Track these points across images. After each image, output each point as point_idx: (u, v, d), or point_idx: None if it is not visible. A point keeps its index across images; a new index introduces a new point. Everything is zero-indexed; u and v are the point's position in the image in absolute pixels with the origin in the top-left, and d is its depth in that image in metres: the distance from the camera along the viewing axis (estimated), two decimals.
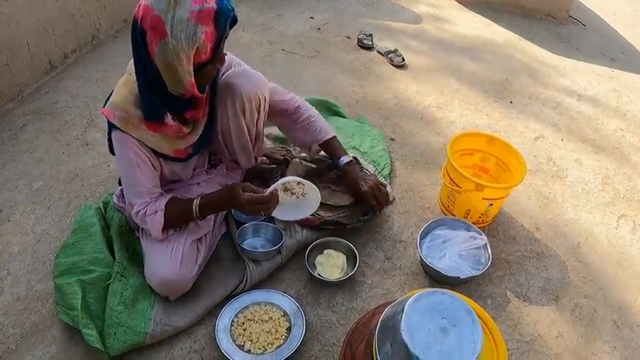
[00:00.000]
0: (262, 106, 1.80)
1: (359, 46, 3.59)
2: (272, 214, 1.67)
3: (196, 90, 1.47)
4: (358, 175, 1.98)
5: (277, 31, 3.76)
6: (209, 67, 1.48)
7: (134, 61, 1.46)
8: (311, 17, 4.02)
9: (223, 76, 1.72)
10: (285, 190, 1.70)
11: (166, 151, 1.63)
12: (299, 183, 1.69)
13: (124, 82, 1.55)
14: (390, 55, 3.38)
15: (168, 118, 1.52)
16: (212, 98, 1.71)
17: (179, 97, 1.50)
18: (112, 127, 1.54)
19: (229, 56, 1.72)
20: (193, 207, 1.63)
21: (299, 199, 1.73)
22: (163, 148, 1.61)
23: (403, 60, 3.34)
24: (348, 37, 3.72)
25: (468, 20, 4.17)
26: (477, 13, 4.29)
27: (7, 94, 2.72)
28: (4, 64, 2.63)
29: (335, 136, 2.00)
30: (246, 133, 1.82)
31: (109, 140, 1.61)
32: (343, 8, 4.24)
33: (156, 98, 1.48)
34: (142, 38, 1.36)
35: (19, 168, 2.32)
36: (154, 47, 1.36)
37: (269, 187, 1.63)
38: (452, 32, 3.94)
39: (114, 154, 1.62)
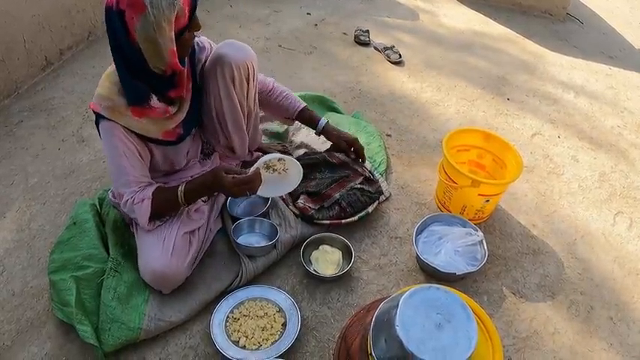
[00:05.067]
0: (251, 76, 1.83)
1: (356, 42, 3.59)
2: (257, 193, 1.70)
3: (177, 60, 1.50)
4: (338, 130, 2.16)
5: (274, 27, 3.75)
6: (186, 35, 1.52)
7: (111, 48, 1.48)
8: (308, 13, 4.02)
9: (212, 51, 1.79)
10: (267, 167, 1.73)
11: (155, 135, 1.65)
12: (280, 159, 1.74)
13: (106, 75, 1.57)
14: (386, 52, 3.38)
15: (154, 100, 1.55)
16: (194, 75, 1.74)
17: (161, 76, 1.53)
18: (99, 118, 1.56)
19: (208, 40, 1.83)
20: (179, 193, 1.63)
21: (281, 174, 1.78)
22: (152, 132, 1.63)
23: (400, 56, 3.33)
24: (344, 34, 3.72)
25: (465, 17, 4.17)
26: (475, 10, 4.29)
27: (3, 91, 2.71)
28: None
29: (306, 106, 2.12)
30: (238, 106, 1.84)
31: (99, 135, 1.62)
32: (340, 4, 4.24)
33: (138, 81, 1.51)
34: (120, 20, 1.40)
35: (15, 164, 2.31)
36: (135, 23, 1.39)
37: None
38: (449, 29, 3.93)
39: None
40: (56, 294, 1.63)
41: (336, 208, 1.98)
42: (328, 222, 1.95)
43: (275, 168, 1.75)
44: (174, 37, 1.45)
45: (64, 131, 2.54)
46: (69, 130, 2.55)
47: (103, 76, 1.57)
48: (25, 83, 2.85)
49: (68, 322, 1.58)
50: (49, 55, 3.00)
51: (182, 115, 1.69)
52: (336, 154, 2.15)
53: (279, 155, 1.73)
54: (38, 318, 1.68)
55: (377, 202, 2.07)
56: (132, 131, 1.58)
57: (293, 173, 1.78)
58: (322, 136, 2.15)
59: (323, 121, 2.11)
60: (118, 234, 1.83)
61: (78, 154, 2.38)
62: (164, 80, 1.55)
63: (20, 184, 2.20)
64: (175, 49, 1.47)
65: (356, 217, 1.99)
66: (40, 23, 2.86)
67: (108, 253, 1.74)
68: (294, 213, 1.97)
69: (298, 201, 1.98)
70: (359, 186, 2.04)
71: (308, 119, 2.12)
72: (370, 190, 2.06)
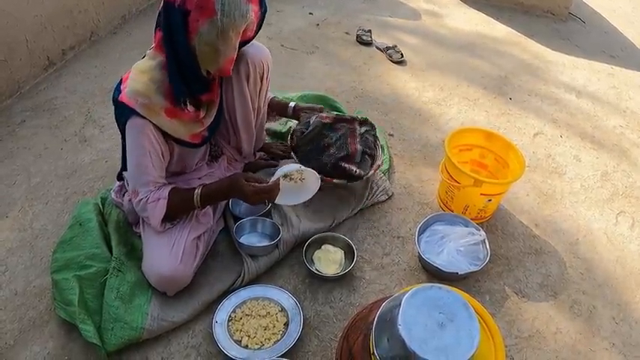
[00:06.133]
0: (265, 75, 1.85)
1: (358, 42, 3.59)
2: (275, 202, 1.73)
3: (231, 67, 1.52)
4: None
5: (276, 27, 3.75)
6: (244, 47, 1.56)
7: (165, 45, 1.47)
8: (310, 13, 4.02)
9: None
10: (285, 176, 1.75)
11: (183, 136, 1.65)
12: (298, 170, 1.76)
13: (142, 70, 1.55)
14: (388, 51, 3.38)
15: (187, 102, 1.56)
16: (221, 81, 1.75)
17: (202, 79, 1.54)
18: (130, 114, 1.52)
19: None
20: (194, 196, 1.64)
21: (297, 183, 1.79)
22: (180, 133, 1.63)
23: (402, 56, 3.33)
24: (347, 33, 3.71)
25: (467, 16, 4.16)
26: (477, 9, 4.28)
27: (6, 91, 2.71)
28: (2, 60, 2.62)
29: (275, 96, 2.18)
30: (250, 103, 1.85)
31: (122, 130, 1.59)
32: (342, 4, 4.24)
33: (181, 81, 1.51)
34: (182, 19, 1.39)
35: (18, 164, 2.31)
36: (199, 26, 1.39)
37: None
38: (451, 28, 3.93)
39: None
40: (59, 293, 1.63)
41: (367, 157, 2.05)
42: (373, 172, 2.03)
43: (292, 177, 1.77)
44: (237, 46, 1.48)
45: (66, 131, 2.54)
46: (71, 129, 2.55)
47: (137, 72, 1.55)
48: (27, 83, 2.85)
49: (71, 322, 1.58)
50: (52, 55, 3.00)
51: (210, 120, 1.71)
52: (324, 114, 2.10)
53: (297, 166, 1.75)
54: (41, 317, 1.68)
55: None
56: (159, 130, 1.57)
57: (309, 182, 1.80)
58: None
59: (292, 103, 2.13)
60: (121, 233, 1.83)
61: (80, 153, 2.39)
62: (202, 83, 1.56)
63: (23, 184, 2.20)
64: (234, 57, 1.50)
65: (383, 159, 2.18)
66: (42, 23, 2.86)
67: (111, 253, 1.74)
68: (338, 184, 1.99)
69: (344, 165, 1.97)
70: (362, 129, 2.10)
71: (279, 106, 2.13)
72: (368, 128, 2.13)
